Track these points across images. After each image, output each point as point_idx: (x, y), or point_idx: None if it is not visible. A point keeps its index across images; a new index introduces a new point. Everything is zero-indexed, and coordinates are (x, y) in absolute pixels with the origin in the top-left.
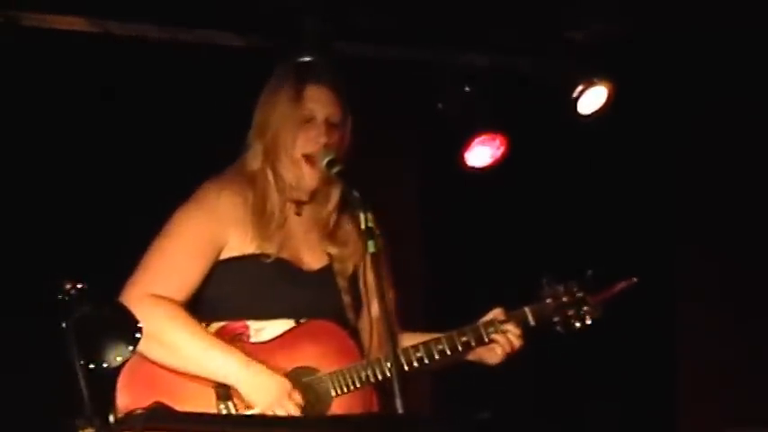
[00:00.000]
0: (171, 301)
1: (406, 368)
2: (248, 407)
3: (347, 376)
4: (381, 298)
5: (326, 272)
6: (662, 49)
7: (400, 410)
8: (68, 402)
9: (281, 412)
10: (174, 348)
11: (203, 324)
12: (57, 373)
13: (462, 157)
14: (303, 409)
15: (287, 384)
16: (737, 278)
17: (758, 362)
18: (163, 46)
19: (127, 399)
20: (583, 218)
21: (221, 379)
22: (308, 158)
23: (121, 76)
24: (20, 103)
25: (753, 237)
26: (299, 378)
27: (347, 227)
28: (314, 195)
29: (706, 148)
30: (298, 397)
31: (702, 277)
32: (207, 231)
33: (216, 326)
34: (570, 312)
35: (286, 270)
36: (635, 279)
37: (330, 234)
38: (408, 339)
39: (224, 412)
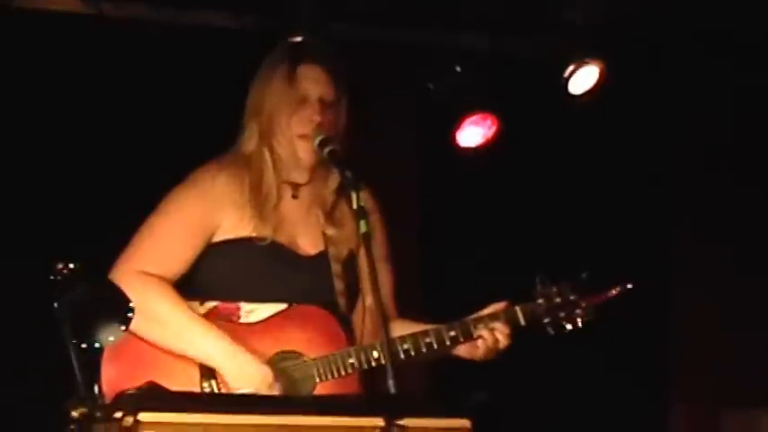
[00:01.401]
0: (160, 278)
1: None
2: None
3: (333, 363)
4: (374, 279)
5: (322, 257)
6: (654, 28)
7: (392, 391)
8: (61, 383)
9: None
10: (160, 324)
11: (197, 302)
12: (48, 353)
13: (454, 137)
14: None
15: (269, 376)
16: (735, 263)
17: (754, 343)
18: (157, 27)
19: (112, 372)
20: (577, 200)
21: (203, 359)
22: (303, 137)
23: (116, 58)
24: (14, 86)
25: (752, 224)
26: (282, 361)
27: (344, 208)
28: (312, 177)
29: (701, 128)
30: (278, 388)
31: (699, 262)
32: (200, 212)
33: (208, 305)
34: (562, 314)
35: (281, 253)
36: (629, 285)
37: (328, 215)
38: (403, 327)
39: (207, 390)
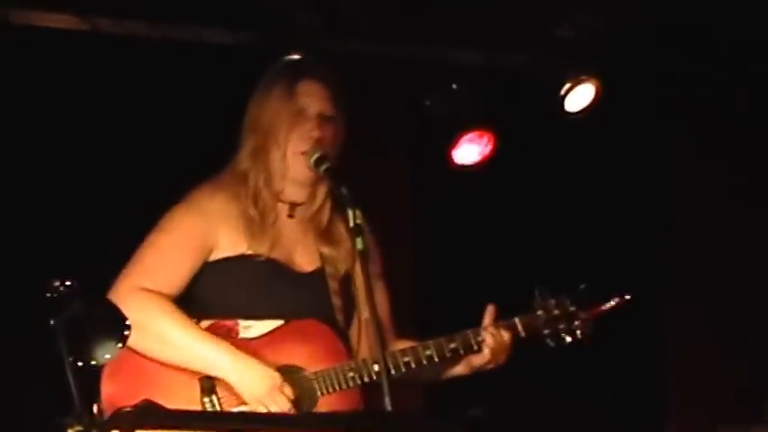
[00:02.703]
0: (160, 293)
1: (393, 372)
2: (232, 402)
3: (333, 376)
4: (370, 295)
5: (318, 274)
6: (650, 45)
7: (389, 408)
8: (56, 400)
9: (271, 405)
10: (163, 338)
11: (193, 320)
12: (44, 370)
13: (450, 155)
14: (292, 404)
15: (277, 378)
16: (729, 277)
17: (748, 359)
18: (152, 43)
19: (111, 389)
20: (573, 215)
21: (210, 369)
22: (300, 154)
23: (112, 74)
24: (11, 101)
25: (746, 235)
26: (284, 376)
27: (340, 226)
28: (309, 195)
29: (696, 143)
30: (288, 391)
31: (693, 276)
32: (198, 230)
33: (205, 323)
34: (561, 326)
35: (277, 270)
36: (627, 297)
37: (323, 234)
38: (400, 345)
39: (208, 406)
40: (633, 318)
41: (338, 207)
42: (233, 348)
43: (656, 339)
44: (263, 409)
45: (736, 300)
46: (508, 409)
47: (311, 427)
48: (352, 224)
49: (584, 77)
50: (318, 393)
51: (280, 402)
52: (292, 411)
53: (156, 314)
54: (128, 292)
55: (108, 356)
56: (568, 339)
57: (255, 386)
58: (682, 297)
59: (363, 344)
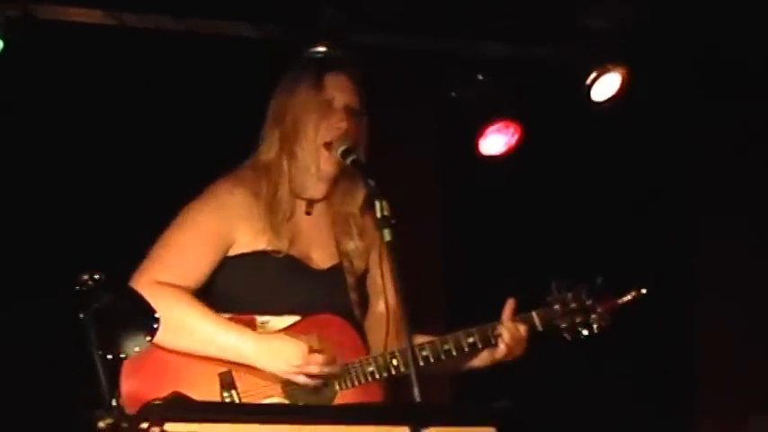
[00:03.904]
0: (177, 286)
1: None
2: (257, 396)
3: (351, 371)
4: (398, 286)
5: (336, 270)
6: (678, 35)
7: (418, 399)
8: (86, 393)
9: (308, 369)
10: (184, 329)
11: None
12: (73, 364)
13: (477, 146)
14: (326, 366)
15: (303, 346)
16: (759, 266)
17: None
18: (178, 37)
19: (134, 384)
20: (600, 205)
21: (233, 355)
22: (327, 145)
23: (138, 69)
24: (36, 96)
25: None
26: None
27: (365, 220)
28: (329, 191)
29: (723, 136)
30: (318, 356)
31: (722, 267)
32: (216, 226)
33: (224, 317)
34: (578, 319)
35: (296, 267)
36: (644, 290)
37: (347, 229)
38: (419, 340)
39: (227, 400)
40: (662, 309)
41: (363, 200)
42: (254, 333)
43: (686, 330)
44: (302, 379)
45: (766, 288)
46: (536, 400)
47: (336, 419)
48: (379, 215)
49: (610, 66)
50: (337, 388)
51: (315, 362)
52: (331, 369)
53: (176, 306)
54: (144, 286)
55: (137, 349)
56: (585, 333)
57: (286, 358)
58: (711, 287)
59: (391, 334)
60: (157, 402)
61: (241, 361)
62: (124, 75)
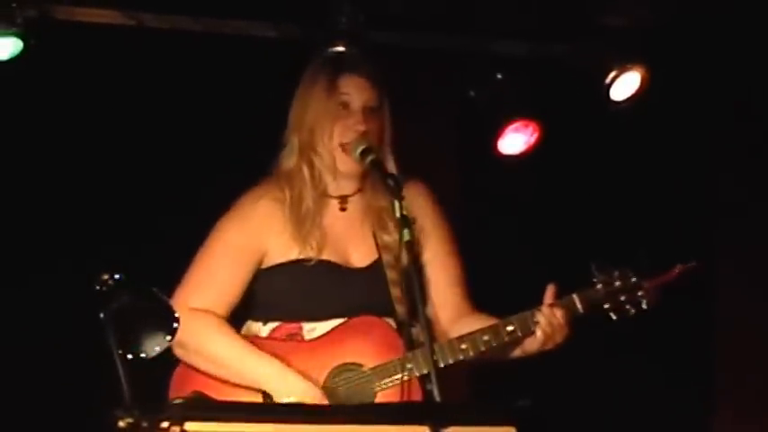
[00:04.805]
0: (207, 312)
1: (450, 361)
2: None
3: (390, 370)
4: (413, 285)
5: (375, 268)
6: (698, 34)
7: (437, 398)
8: (107, 393)
9: None
10: (214, 359)
11: (260, 322)
12: (95, 363)
13: (496, 145)
14: None
15: (317, 394)
16: None
17: None
18: (197, 38)
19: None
20: (619, 204)
21: (260, 386)
22: (345, 147)
23: (156, 69)
24: (55, 97)
25: None
26: (342, 373)
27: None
28: (362, 186)
29: (743, 132)
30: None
31: (742, 265)
32: (244, 242)
33: (271, 326)
34: (623, 298)
35: (331, 271)
36: (694, 262)
37: (381, 222)
38: (479, 321)
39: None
40: (682, 307)
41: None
42: (279, 365)
43: (706, 328)
44: None
45: None
46: (557, 399)
47: (355, 419)
48: (398, 215)
49: (629, 66)
50: (376, 388)
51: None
52: None
53: (204, 335)
54: (179, 313)
55: (157, 348)
56: (633, 311)
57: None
58: (731, 283)
59: (442, 327)
60: (178, 401)
61: (262, 388)
62: (142, 75)
